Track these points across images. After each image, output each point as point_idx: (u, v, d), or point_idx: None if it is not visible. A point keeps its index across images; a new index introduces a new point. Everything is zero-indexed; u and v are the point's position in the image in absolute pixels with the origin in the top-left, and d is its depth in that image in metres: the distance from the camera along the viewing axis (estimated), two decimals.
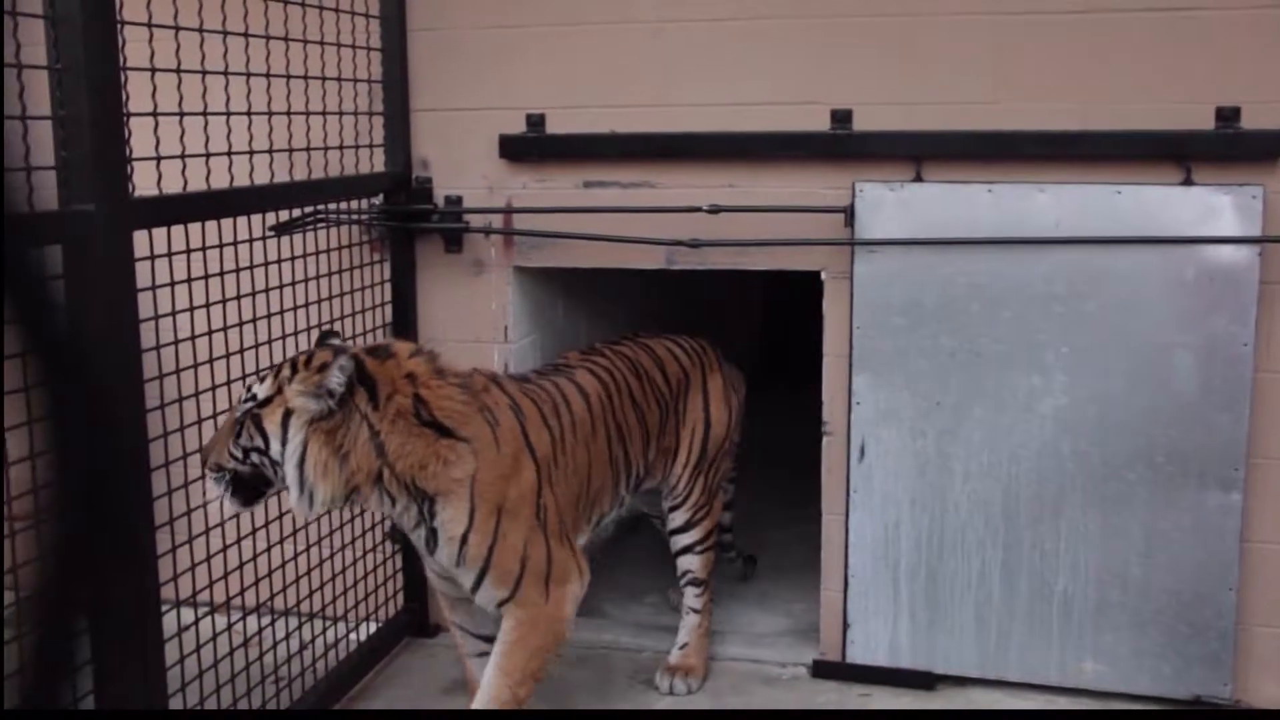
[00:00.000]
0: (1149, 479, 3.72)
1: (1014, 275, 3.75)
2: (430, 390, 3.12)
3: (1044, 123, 3.72)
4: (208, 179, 3.24)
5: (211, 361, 3.34)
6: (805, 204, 3.87)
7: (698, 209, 3.90)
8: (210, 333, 3.33)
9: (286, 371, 3.09)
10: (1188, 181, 3.64)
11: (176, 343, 3.14)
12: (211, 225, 3.28)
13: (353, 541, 4.05)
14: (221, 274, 3.33)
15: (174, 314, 3.10)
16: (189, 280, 3.18)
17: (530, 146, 4.12)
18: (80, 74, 2.66)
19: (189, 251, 3.19)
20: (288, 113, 3.62)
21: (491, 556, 3.19)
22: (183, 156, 3.10)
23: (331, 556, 3.96)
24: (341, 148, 3.93)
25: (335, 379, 2.99)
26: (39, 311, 1.01)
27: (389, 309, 4.19)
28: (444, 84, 4.16)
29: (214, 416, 3.33)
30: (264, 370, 3.28)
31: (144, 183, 2.93)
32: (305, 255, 3.77)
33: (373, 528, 4.16)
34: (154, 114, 2.97)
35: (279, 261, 3.62)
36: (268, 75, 3.51)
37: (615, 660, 4.24)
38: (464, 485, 3.13)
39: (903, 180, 3.83)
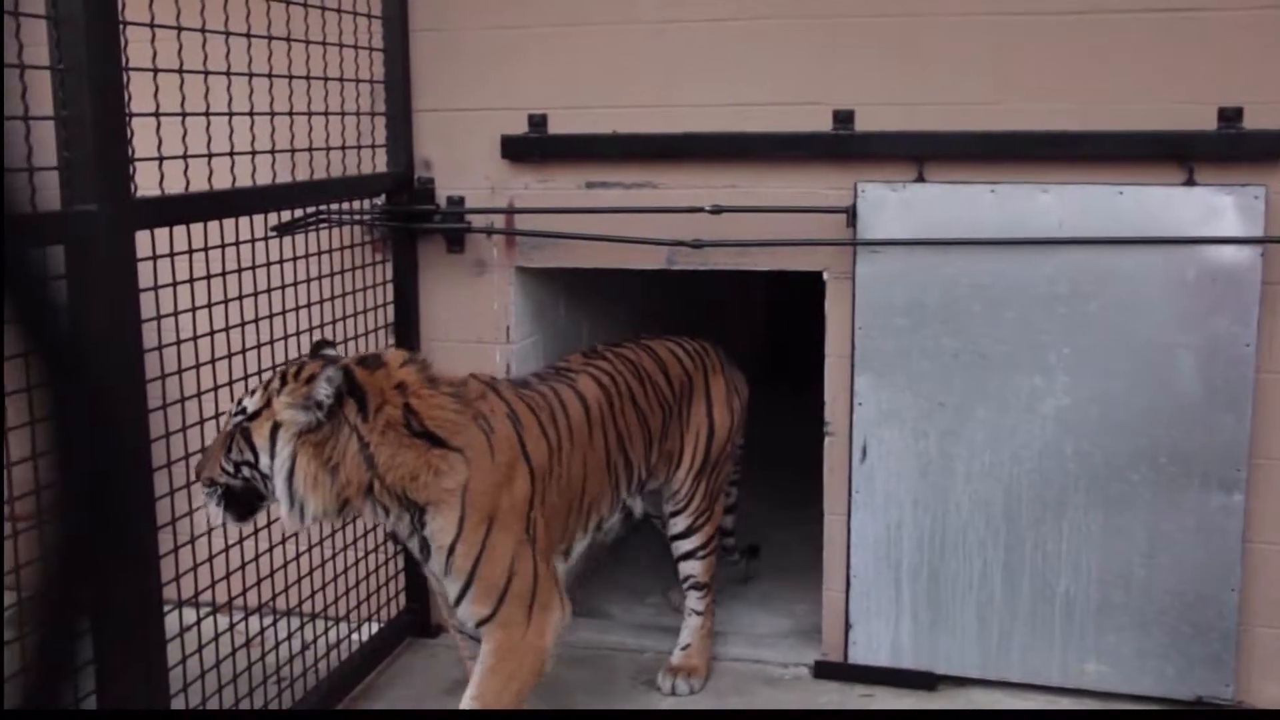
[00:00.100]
0: (1151, 479, 3.72)
1: (1016, 276, 3.75)
2: (421, 400, 3.08)
3: (1046, 123, 3.71)
4: (210, 179, 3.24)
5: (214, 362, 3.34)
6: (807, 204, 3.87)
7: (700, 209, 3.90)
8: (212, 333, 3.33)
9: (276, 384, 3.06)
10: (1190, 182, 3.64)
11: (179, 343, 3.14)
12: (214, 225, 3.29)
13: (354, 542, 4.05)
14: (224, 274, 3.33)
15: (176, 314, 3.10)
16: (191, 280, 3.19)
17: (532, 147, 4.12)
18: (82, 74, 2.66)
19: (191, 252, 3.19)
20: (290, 113, 3.62)
21: (477, 568, 3.13)
22: (185, 157, 3.10)
23: (333, 557, 3.96)
24: (344, 148, 3.93)
25: (323, 391, 2.95)
26: (41, 312, 1.01)
27: (391, 309, 4.19)
28: (446, 84, 4.16)
29: (216, 417, 3.33)
30: (255, 384, 3.26)
31: (146, 183, 2.93)
32: (307, 256, 3.77)
33: (374, 528, 4.16)
34: (156, 114, 2.97)
35: (281, 262, 3.62)
36: (270, 75, 3.51)
37: (617, 661, 4.24)
38: (455, 495, 3.09)
39: (905, 181, 3.82)
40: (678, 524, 4.02)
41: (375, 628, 4.16)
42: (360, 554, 4.09)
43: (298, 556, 3.80)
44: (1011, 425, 3.80)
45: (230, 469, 3.06)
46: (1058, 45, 3.70)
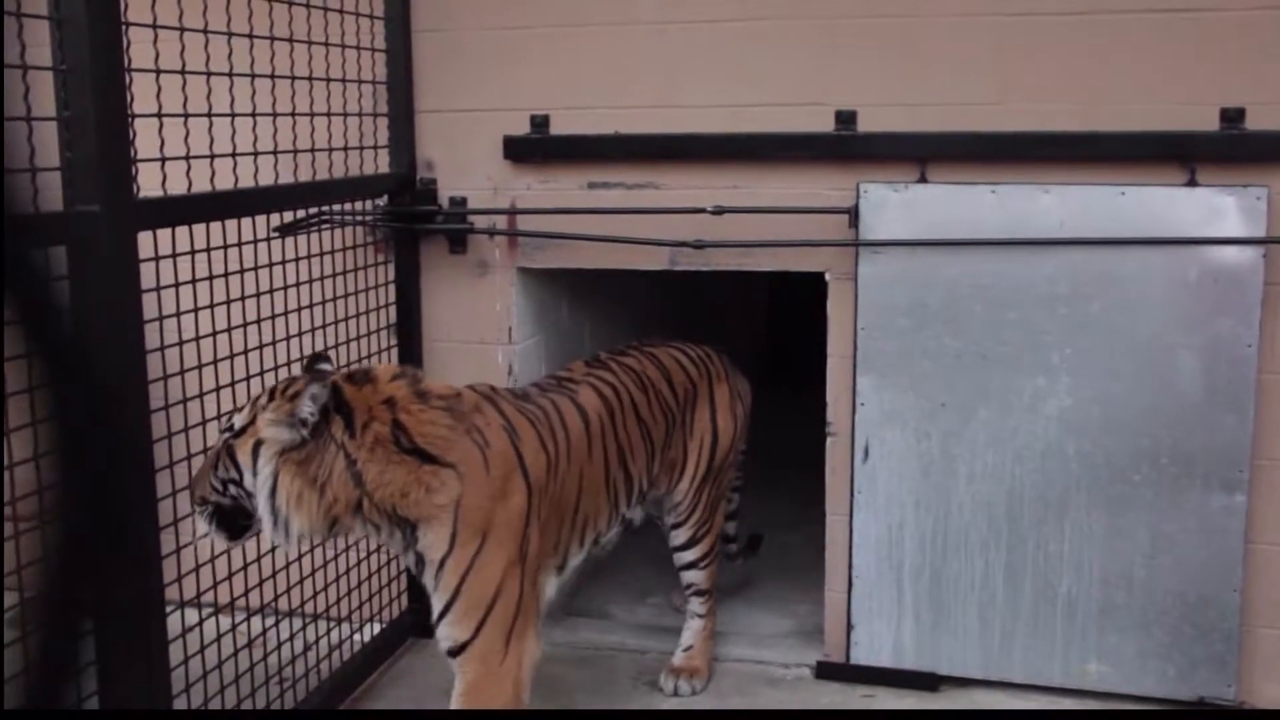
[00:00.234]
0: (1153, 480, 3.72)
1: (1018, 276, 3.75)
2: (411, 415, 3.01)
3: (1048, 124, 3.71)
4: (212, 180, 3.24)
5: (215, 363, 3.34)
6: (809, 205, 3.87)
7: (702, 210, 3.90)
8: (214, 334, 3.33)
9: (264, 400, 3.01)
10: (1192, 182, 3.64)
11: (180, 344, 3.14)
12: (215, 226, 3.29)
13: (356, 543, 4.05)
14: (226, 275, 3.33)
15: (178, 315, 3.11)
16: (193, 281, 3.19)
17: (534, 147, 4.12)
18: (85, 75, 2.66)
19: (193, 253, 3.20)
20: (292, 114, 3.63)
21: (464, 584, 3.05)
22: (187, 158, 3.10)
23: (335, 558, 3.96)
24: (346, 149, 3.93)
25: (306, 408, 2.89)
26: (43, 313, 1.01)
27: (393, 310, 4.19)
28: (448, 85, 4.17)
29: (218, 418, 3.33)
30: (254, 393, 3.23)
31: (148, 184, 2.93)
32: (309, 256, 3.77)
33: None
34: (158, 115, 2.97)
35: (283, 263, 3.62)
36: (272, 76, 3.51)
37: (618, 661, 4.24)
38: (447, 511, 3.02)
39: (907, 181, 3.82)
40: (679, 536, 3.99)
41: (377, 628, 4.16)
42: (362, 555, 4.10)
43: (299, 558, 3.79)
44: (1013, 426, 3.80)
45: (219, 487, 3.01)
46: (1059, 46, 3.70)
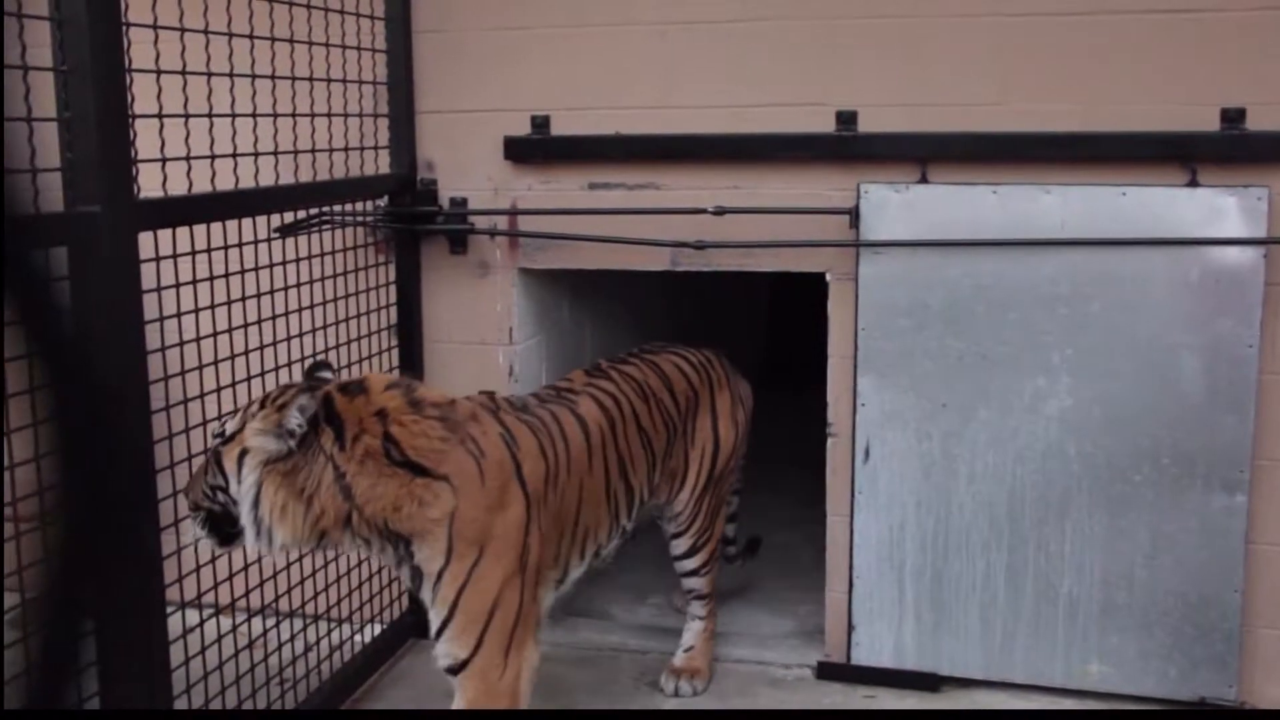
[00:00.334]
0: (1154, 481, 3.72)
1: (1019, 277, 3.75)
2: (403, 427, 2.95)
3: (1049, 124, 3.71)
4: (213, 181, 3.24)
5: (216, 363, 3.34)
6: (810, 205, 3.87)
7: (702, 210, 3.90)
8: (215, 334, 3.33)
9: (254, 408, 2.96)
10: (1193, 183, 3.64)
11: (181, 344, 3.14)
12: (216, 227, 3.29)
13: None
14: (226, 276, 3.33)
15: (179, 315, 3.11)
16: (194, 282, 3.19)
17: (535, 148, 4.12)
18: (85, 75, 2.66)
19: (194, 253, 3.20)
20: (293, 114, 3.63)
21: (461, 598, 2.99)
22: (188, 158, 3.10)
23: (336, 559, 3.96)
24: (346, 149, 3.93)
25: (294, 419, 2.85)
26: (43, 313, 1.01)
27: (394, 311, 4.19)
28: (449, 86, 4.17)
29: (219, 418, 3.33)
30: (247, 398, 3.21)
31: (149, 184, 2.93)
32: (310, 257, 3.77)
33: None
34: (159, 115, 2.98)
35: (284, 263, 3.62)
36: (273, 77, 3.51)
37: (619, 661, 4.24)
38: (441, 525, 2.96)
39: (908, 182, 3.82)
40: (680, 545, 3.96)
41: (378, 629, 4.16)
42: (362, 556, 4.09)
43: (300, 558, 3.79)
44: (1014, 426, 3.80)
45: (209, 493, 2.97)
46: (1060, 46, 3.70)
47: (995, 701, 3.89)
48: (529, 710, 3.24)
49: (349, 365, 3.90)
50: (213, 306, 3.30)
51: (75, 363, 1.05)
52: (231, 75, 3.32)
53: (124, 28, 2.78)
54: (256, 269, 3.50)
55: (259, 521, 2.88)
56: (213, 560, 3.37)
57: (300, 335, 3.69)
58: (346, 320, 3.94)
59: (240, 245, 3.40)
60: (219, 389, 3.35)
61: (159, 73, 2.99)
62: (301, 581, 3.80)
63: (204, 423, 3.30)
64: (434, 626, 3.07)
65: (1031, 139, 3.73)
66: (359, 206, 4.02)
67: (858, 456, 3.93)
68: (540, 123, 4.11)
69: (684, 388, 3.81)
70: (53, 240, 2.61)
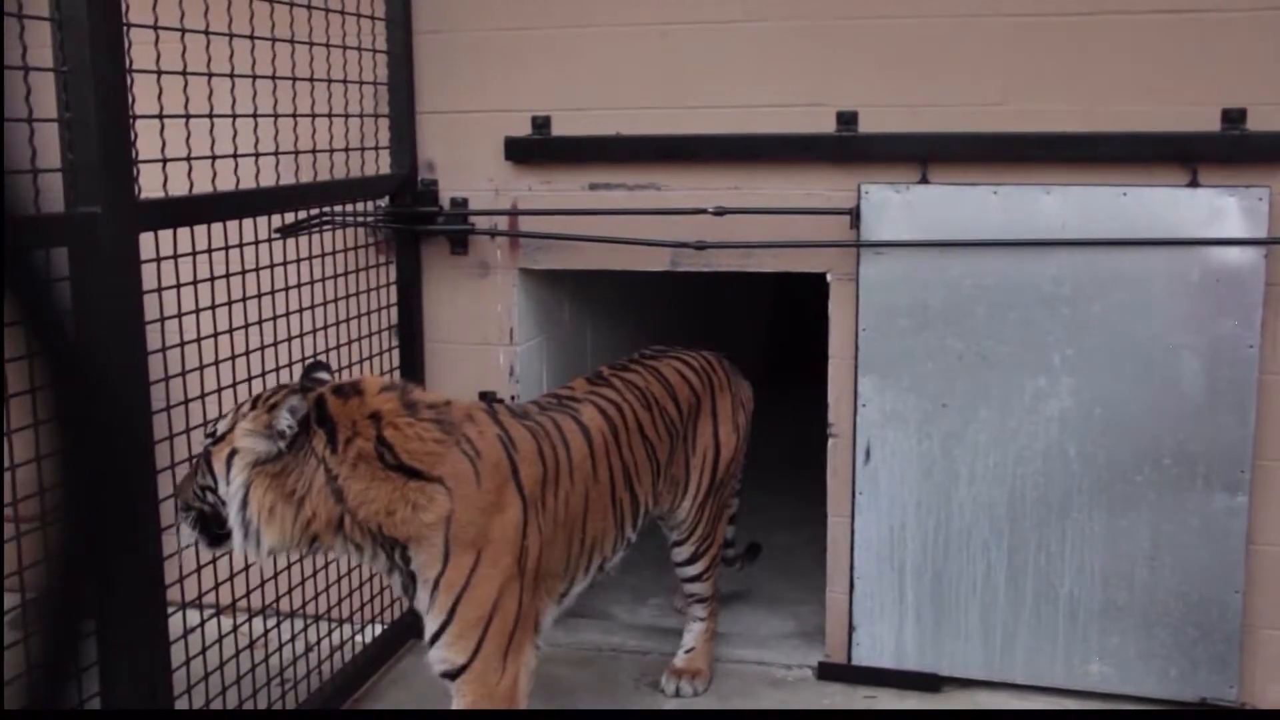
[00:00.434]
0: (1155, 481, 3.72)
1: (1020, 277, 3.75)
2: (397, 430, 2.91)
3: (1050, 124, 3.71)
4: (213, 181, 3.24)
5: (217, 364, 3.34)
6: (811, 206, 3.88)
7: (703, 211, 3.90)
8: (216, 334, 3.33)
9: (246, 409, 2.93)
10: (1194, 183, 3.64)
11: (182, 344, 3.15)
12: (217, 227, 3.29)
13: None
14: (227, 276, 3.33)
15: (179, 316, 3.11)
16: (194, 282, 3.19)
17: (536, 148, 4.12)
18: (86, 76, 2.66)
19: (194, 254, 3.20)
20: (294, 115, 3.63)
21: (459, 604, 2.95)
22: (189, 159, 3.10)
23: (337, 559, 3.96)
24: (347, 150, 3.93)
25: (284, 421, 2.81)
26: (44, 314, 1.01)
27: (394, 311, 4.19)
28: (450, 86, 4.17)
29: (219, 419, 3.33)
30: (238, 400, 3.19)
31: (150, 185, 2.93)
32: (311, 257, 3.77)
33: None
34: (160, 116, 2.98)
35: (284, 264, 3.63)
36: (274, 77, 3.52)
37: (620, 662, 4.24)
38: (437, 529, 2.92)
39: (908, 182, 3.82)
40: (681, 552, 3.94)
41: (379, 630, 4.17)
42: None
43: (300, 560, 3.79)
44: (1015, 426, 3.80)
45: (199, 493, 2.95)
46: (1061, 47, 3.70)
47: (996, 702, 3.89)
48: (529, 710, 3.24)
49: (349, 366, 3.90)
50: (213, 307, 3.30)
51: (76, 363, 1.05)
52: (232, 76, 3.32)
53: (125, 28, 2.78)
54: (257, 269, 3.50)
55: (247, 523, 2.85)
56: (213, 561, 3.37)
57: (301, 336, 3.69)
58: (347, 321, 3.94)
59: (241, 246, 3.40)
60: (220, 389, 3.35)
61: (160, 73, 2.99)
62: (302, 582, 3.80)
63: (205, 423, 3.29)
64: (430, 631, 3.03)
65: (1032, 139, 3.73)
66: (360, 207, 4.02)
67: (858, 457, 3.93)
68: (541, 123, 4.11)
69: (686, 394, 3.78)
70: (53, 241, 2.61)
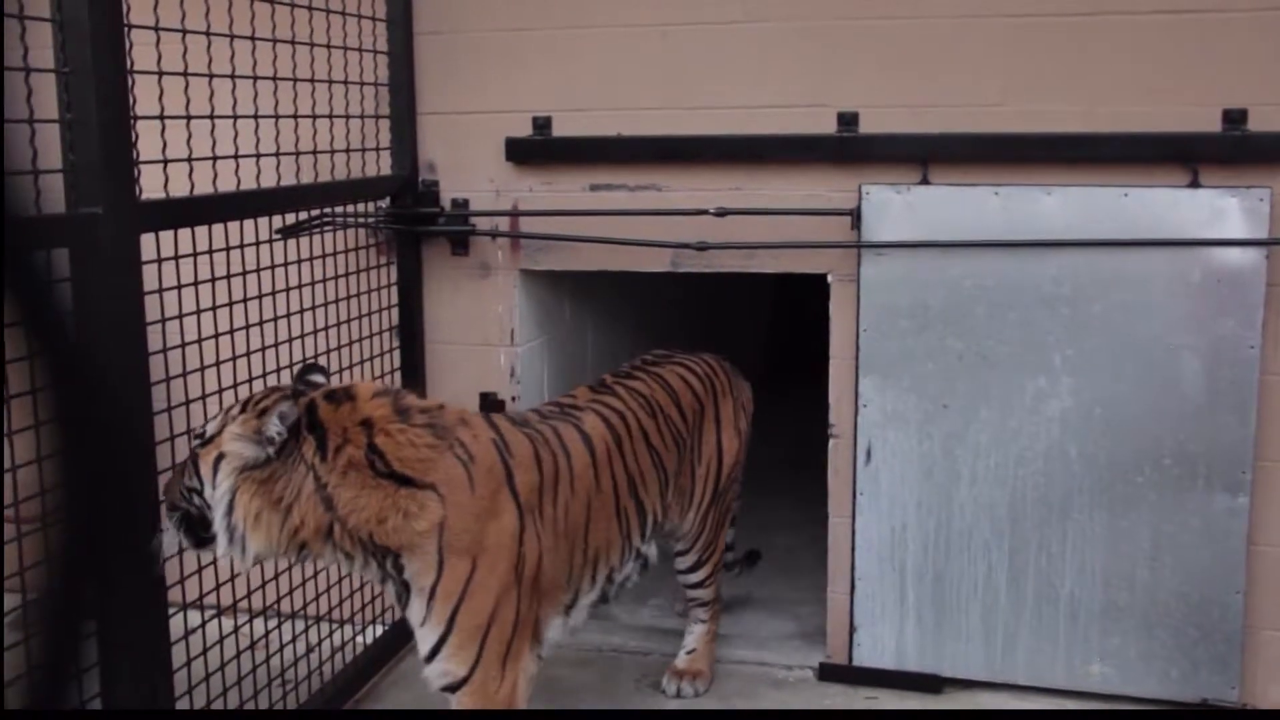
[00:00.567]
0: (1156, 482, 3.72)
1: (1021, 277, 3.75)
2: (389, 437, 2.85)
3: (1051, 125, 3.71)
4: (214, 182, 3.25)
5: (218, 364, 3.34)
6: (812, 207, 3.88)
7: (704, 212, 3.90)
8: (217, 335, 3.33)
9: (235, 412, 2.87)
10: (1195, 184, 3.64)
11: (183, 345, 3.15)
12: (218, 228, 3.29)
13: None
14: (228, 277, 3.33)
15: (180, 317, 3.11)
16: (195, 283, 3.19)
17: (536, 149, 4.12)
18: (87, 77, 2.67)
19: (195, 254, 3.20)
20: (294, 116, 3.63)
21: (457, 615, 2.91)
22: (189, 160, 3.10)
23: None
24: (348, 151, 3.93)
25: (273, 427, 2.75)
26: (45, 314, 1.01)
27: (395, 312, 4.19)
28: (450, 87, 4.17)
29: (209, 420, 3.33)
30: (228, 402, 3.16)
31: (151, 186, 2.93)
32: (312, 258, 3.77)
33: None
34: (161, 117, 2.98)
35: (285, 264, 3.63)
36: (274, 78, 3.51)
37: (621, 663, 4.24)
38: (430, 537, 2.86)
39: (909, 183, 3.82)
40: (685, 560, 3.93)
41: (380, 630, 4.16)
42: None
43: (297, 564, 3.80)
44: (1015, 427, 3.79)
45: (185, 494, 2.88)
46: (1062, 47, 3.70)
47: (997, 702, 3.89)
48: (530, 710, 3.23)
49: (350, 367, 3.91)
50: (214, 308, 3.30)
51: (77, 364, 1.05)
52: (233, 77, 3.32)
53: (126, 29, 2.78)
54: (258, 270, 3.50)
55: (232, 529, 2.79)
56: (214, 562, 3.37)
57: (301, 337, 3.69)
58: (348, 322, 3.94)
59: (242, 247, 3.40)
60: (220, 390, 3.35)
61: (161, 74, 2.99)
62: (303, 583, 3.80)
63: (205, 423, 3.30)
64: (427, 645, 2.97)
65: (1033, 140, 3.73)
66: (360, 208, 4.02)
67: (859, 458, 3.93)
68: (542, 124, 4.11)
69: (691, 400, 3.75)
70: (54, 242, 2.61)
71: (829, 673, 4.08)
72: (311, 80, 3.73)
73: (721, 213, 3.89)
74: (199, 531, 2.89)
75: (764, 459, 4.62)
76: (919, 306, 3.82)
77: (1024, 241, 3.72)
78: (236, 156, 3.35)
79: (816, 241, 3.89)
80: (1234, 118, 3.59)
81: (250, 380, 3.44)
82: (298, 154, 3.68)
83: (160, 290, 2.98)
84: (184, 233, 3.12)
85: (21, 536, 2.40)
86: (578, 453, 3.24)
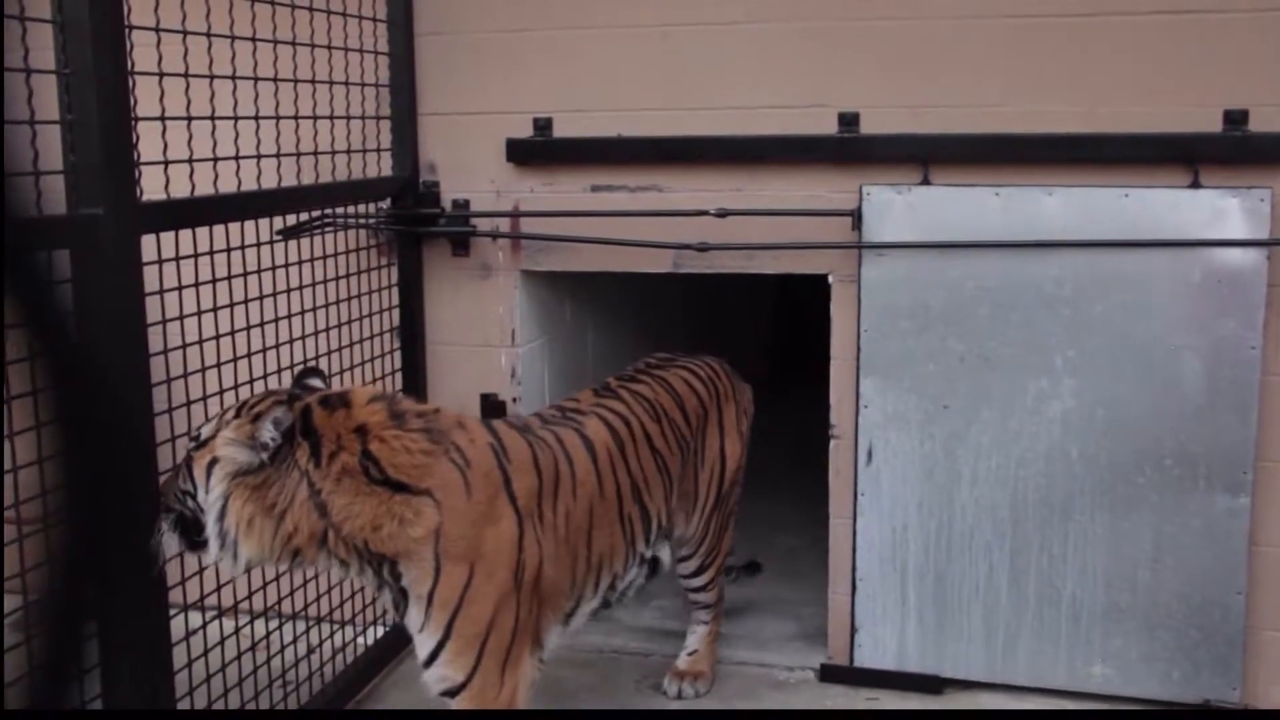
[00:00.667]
0: (1157, 482, 3.72)
1: (1022, 278, 3.74)
2: (383, 443, 2.82)
3: (1051, 125, 3.71)
4: (215, 183, 3.25)
5: (219, 365, 3.34)
6: (812, 207, 3.88)
7: (705, 212, 3.90)
8: (218, 336, 3.33)
9: (230, 415, 2.86)
10: (1196, 184, 3.64)
11: (184, 346, 3.15)
12: (219, 229, 3.29)
13: None
14: (229, 278, 3.33)
15: (181, 318, 3.11)
16: (196, 284, 3.19)
17: (537, 150, 4.12)
18: (88, 78, 2.67)
19: (196, 255, 3.20)
20: (295, 117, 3.63)
21: (455, 621, 2.88)
22: (190, 161, 3.10)
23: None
24: (349, 152, 3.93)
25: (267, 433, 2.73)
26: (46, 315, 1.01)
27: (396, 313, 4.19)
28: (451, 88, 4.17)
29: (205, 422, 3.33)
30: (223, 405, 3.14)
31: (152, 187, 2.93)
32: (313, 259, 3.77)
33: None
34: (162, 118, 2.98)
35: (286, 265, 3.63)
36: (275, 79, 3.52)
37: (622, 664, 4.24)
38: (426, 544, 2.84)
39: (910, 183, 3.82)
40: (688, 566, 3.91)
41: (381, 632, 4.16)
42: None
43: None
44: (1017, 428, 3.79)
45: (180, 496, 2.87)
46: (1063, 48, 3.70)
47: (998, 703, 3.89)
48: (530, 710, 3.23)
49: (351, 368, 3.91)
50: (215, 309, 3.30)
51: (78, 365, 1.05)
52: (234, 78, 3.32)
53: (126, 30, 2.78)
54: (259, 271, 3.50)
55: (224, 534, 2.78)
56: (215, 563, 3.37)
57: (302, 338, 3.69)
58: (349, 323, 3.94)
59: (243, 248, 3.40)
60: (221, 391, 3.35)
61: (161, 75, 2.99)
62: (304, 584, 3.80)
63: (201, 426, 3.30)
64: (426, 650, 2.95)
65: (1034, 140, 3.73)
66: (361, 209, 4.02)
67: (860, 458, 3.93)
68: (542, 125, 4.11)
69: (694, 404, 3.73)
70: (55, 243, 2.61)
71: (830, 674, 4.08)
72: (312, 81, 3.73)
73: (722, 213, 3.89)
74: (192, 535, 2.88)
75: (765, 459, 4.62)
76: (920, 307, 3.82)
77: (1025, 242, 3.72)
78: (237, 158, 3.35)
79: (817, 242, 3.89)
80: (1235, 118, 3.59)
81: (251, 381, 3.44)
82: (298, 155, 3.68)
83: (161, 291, 2.97)
84: (185, 234, 3.12)
85: (23, 537, 2.40)
86: (579, 457, 3.22)
